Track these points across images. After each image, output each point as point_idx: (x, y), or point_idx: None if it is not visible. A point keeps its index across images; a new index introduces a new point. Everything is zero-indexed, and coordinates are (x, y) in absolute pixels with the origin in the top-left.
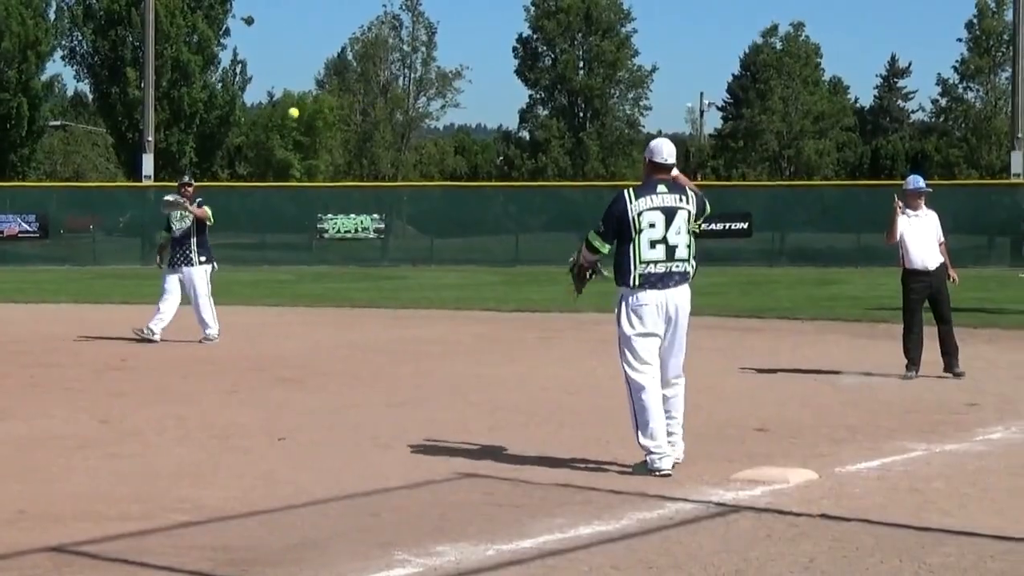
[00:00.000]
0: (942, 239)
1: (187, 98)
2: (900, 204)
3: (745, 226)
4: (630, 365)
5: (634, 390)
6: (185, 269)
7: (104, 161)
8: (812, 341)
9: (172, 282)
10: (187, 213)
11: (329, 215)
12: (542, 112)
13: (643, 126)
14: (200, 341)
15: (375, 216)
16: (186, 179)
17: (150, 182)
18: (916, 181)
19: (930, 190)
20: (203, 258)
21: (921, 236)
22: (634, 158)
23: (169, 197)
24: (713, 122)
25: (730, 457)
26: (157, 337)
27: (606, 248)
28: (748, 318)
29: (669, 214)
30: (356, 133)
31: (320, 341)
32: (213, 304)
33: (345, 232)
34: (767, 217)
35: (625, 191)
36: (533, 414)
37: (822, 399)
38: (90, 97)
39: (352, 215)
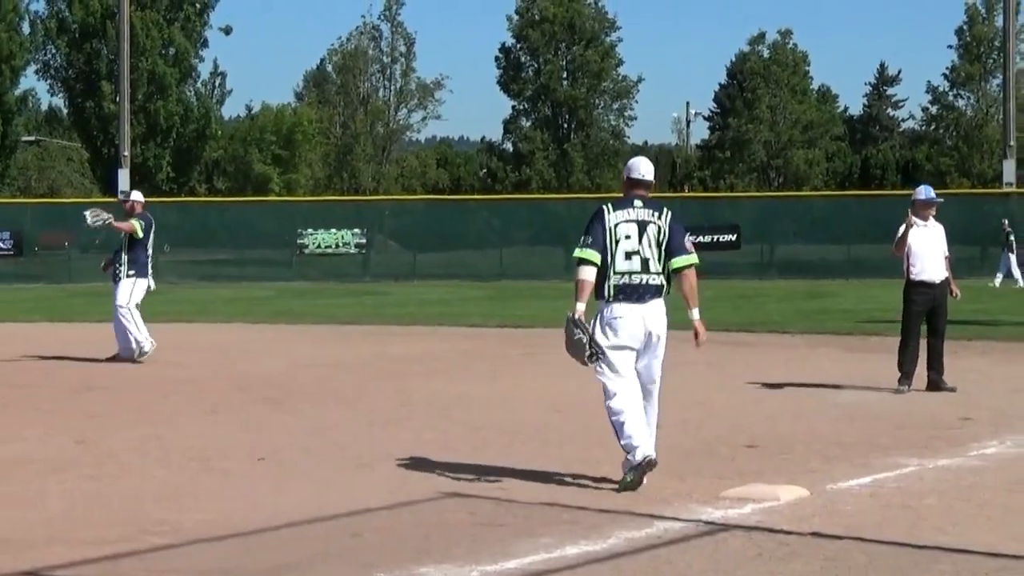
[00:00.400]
0: (947, 253)
1: (163, 112)
2: (914, 218)
3: (733, 238)
4: (603, 373)
5: (608, 396)
6: (116, 283)
7: (79, 177)
8: (803, 355)
9: None
10: (115, 226)
11: (309, 230)
12: (525, 123)
13: (628, 137)
14: (136, 360)
15: (356, 231)
16: (122, 194)
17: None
18: (928, 191)
19: (941, 200)
20: (131, 272)
21: (928, 248)
22: (619, 170)
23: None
24: (700, 132)
25: (720, 474)
26: (147, 349)
27: (597, 257)
28: (738, 332)
29: (642, 227)
30: (336, 146)
31: (300, 359)
32: (136, 318)
33: (326, 247)
34: (756, 229)
35: (603, 205)
36: (518, 432)
37: (813, 414)
38: (64, 111)
39: (333, 230)
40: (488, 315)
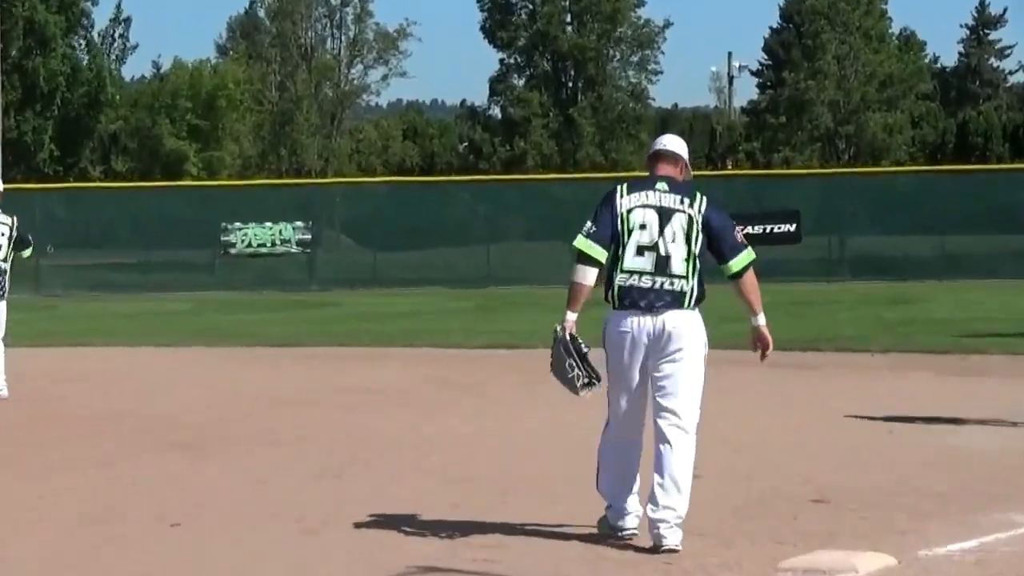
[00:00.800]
0: None
1: (44, 71)
2: None
3: (791, 228)
4: (611, 399)
5: (605, 427)
6: None
7: None
8: (884, 380)
9: None
10: None
11: (237, 224)
12: (518, 82)
13: (652, 98)
14: None
15: (298, 224)
16: None
17: None
18: None
19: None
20: None
21: None
22: (642, 141)
23: None
24: (746, 91)
25: (779, 538)
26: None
27: (600, 253)
28: (799, 351)
29: (665, 216)
30: (272, 114)
31: (225, 392)
32: None
33: (258, 246)
34: (821, 216)
35: (618, 185)
36: (511, 486)
37: (900, 458)
38: None
39: (268, 223)
40: (471, 332)
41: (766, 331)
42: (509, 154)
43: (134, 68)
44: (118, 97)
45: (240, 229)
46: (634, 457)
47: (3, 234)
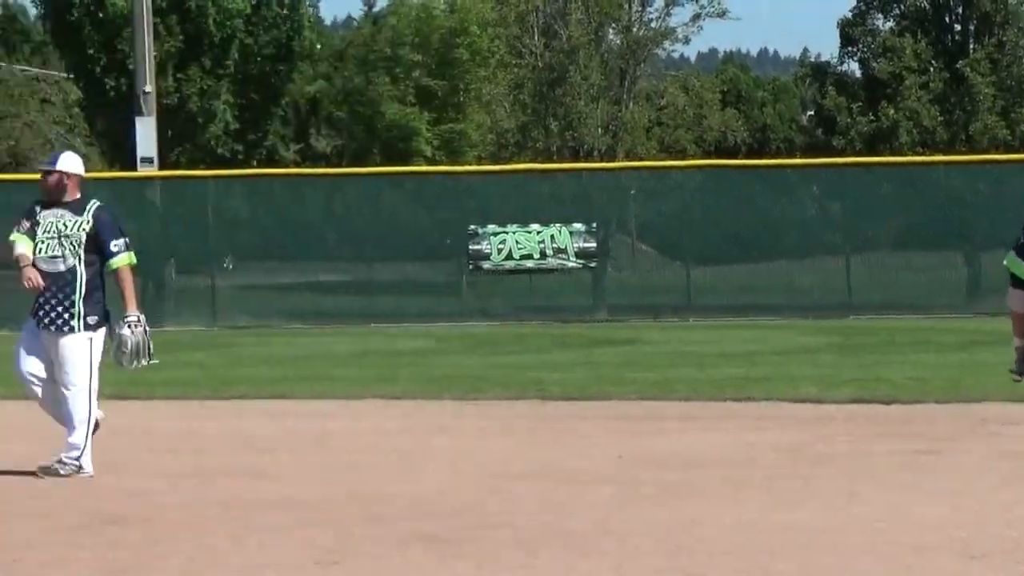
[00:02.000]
0: None
1: (212, 9)
2: None
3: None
4: None
5: None
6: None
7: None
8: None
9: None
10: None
11: (491, 227)
12: (883, 25)
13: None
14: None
15: (578, 227)
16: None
17: (152, 170)
18: None
19: None
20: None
21: None
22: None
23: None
24: None
25: None
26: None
27: None
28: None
29: None
30: (535, 71)
31: (487, 465)
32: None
33: (522, 258)
34: None
35: None
36: None
37: None
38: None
39: (534, 226)
40: (831, 381)
41: None
42: (873, 126)
43: (336, 7)
44: (319, 46)
45: (495, 234)
46: None
47: (62, 236)
